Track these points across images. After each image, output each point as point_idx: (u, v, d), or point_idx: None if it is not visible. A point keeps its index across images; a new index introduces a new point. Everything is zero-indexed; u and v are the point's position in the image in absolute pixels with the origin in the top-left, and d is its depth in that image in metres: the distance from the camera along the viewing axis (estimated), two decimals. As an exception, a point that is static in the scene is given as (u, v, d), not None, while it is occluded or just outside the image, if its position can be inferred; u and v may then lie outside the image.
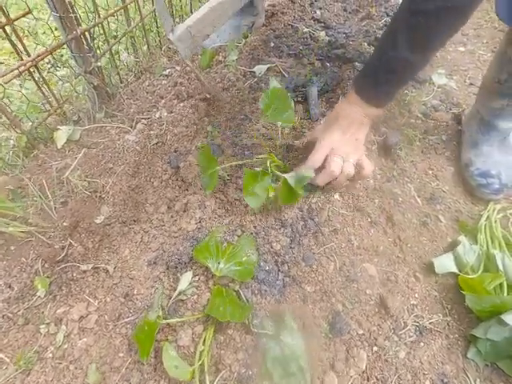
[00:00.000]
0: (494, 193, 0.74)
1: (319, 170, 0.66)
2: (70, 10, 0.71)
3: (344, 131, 0.67)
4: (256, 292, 0.56)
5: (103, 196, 0.71)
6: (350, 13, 1.26)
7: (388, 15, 1.21)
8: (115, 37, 0.99)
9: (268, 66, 0.97)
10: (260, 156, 0.71)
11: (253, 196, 0.61)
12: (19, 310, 0.57)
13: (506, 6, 0.60)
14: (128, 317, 0.56)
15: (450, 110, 0.95)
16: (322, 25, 1.16)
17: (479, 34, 1.23)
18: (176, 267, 0.59)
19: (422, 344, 0.58)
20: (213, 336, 0.51)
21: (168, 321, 0.51)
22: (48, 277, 0.60)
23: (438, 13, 0.55)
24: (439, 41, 0.60)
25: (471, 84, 1.03)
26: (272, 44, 1.06)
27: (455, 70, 1.09)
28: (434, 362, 0.57)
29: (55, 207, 0.68)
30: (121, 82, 0.97)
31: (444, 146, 0.87)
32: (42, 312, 0.57)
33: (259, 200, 0.61)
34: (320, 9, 1.25)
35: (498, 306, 0.56)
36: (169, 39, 0.72)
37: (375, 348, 0.57)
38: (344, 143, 0.67)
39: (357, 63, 0.99)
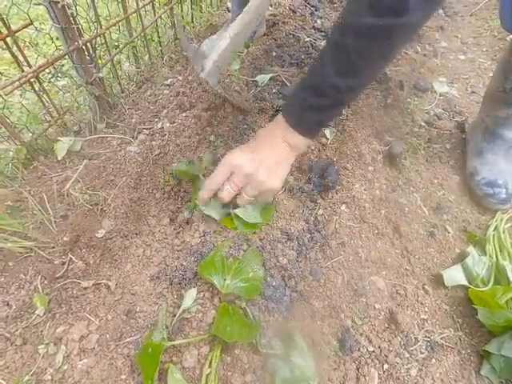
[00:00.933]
0: (501, 202, 0.73)
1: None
2: (72, 22, 0.70)
3: (251, 152, 0.58)
4: (263, 309, 0.54)
5: (105, 209, 0.69)
6: (350, 22, 1.27)
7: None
8: (117, 46, 0.99)
9: (270, 75, 0.97)
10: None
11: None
12: (17, 330, 0.55)
13: (511, 16, 0.60)
14: (130, 336, 0.54)
15: (453, 118, 0.95)
16: (323, 34, 1.17)
17: (479, 43, 1.24)
18: (180, 283, 0.57)
19: (433, 360, 0.56)
20: (219, 357, 0.49)
21: (173, 342, 0.49)
22: (47, 294, 0.58)
23: (370, 33, 0.46)
24: (371, 67, 0.50)
25: (473, 92, 1.04)
26: (274, 53, 1.06)
27: (456, 78, 1.09)
28: (447, 379, 0.55)
29: (55, 221, 0.66)
30: (122, 92, 0.96)
31: (448, 154, 0.87)
32: (41, 331, 0.55)
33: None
34: (320, 18, 1.26)
35: (511, 320, 0.54)
36: (201, 77, 0.74)
37: (386, 366, 0.55)
38: (246, 166, 0.57)
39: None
